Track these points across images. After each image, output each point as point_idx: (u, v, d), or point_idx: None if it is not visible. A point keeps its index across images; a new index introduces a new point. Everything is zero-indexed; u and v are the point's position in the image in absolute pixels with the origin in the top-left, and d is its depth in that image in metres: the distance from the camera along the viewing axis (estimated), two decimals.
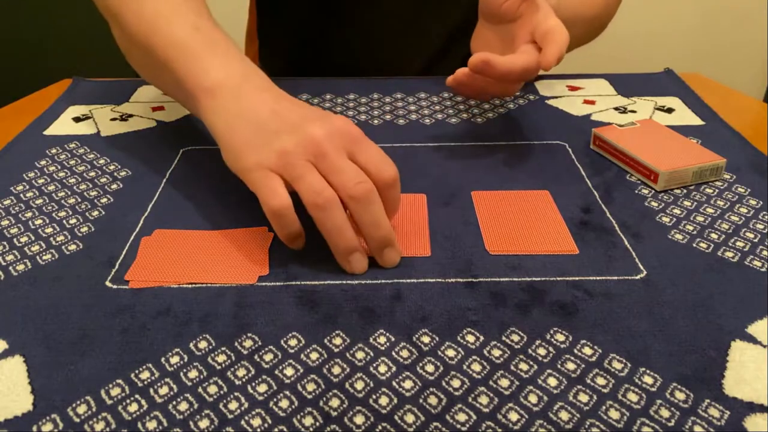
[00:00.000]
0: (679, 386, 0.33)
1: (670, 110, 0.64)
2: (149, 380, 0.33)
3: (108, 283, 0.40)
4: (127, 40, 0.52)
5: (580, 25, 0.69)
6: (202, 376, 0.33)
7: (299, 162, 0.39)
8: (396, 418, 0.31)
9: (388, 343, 0.35)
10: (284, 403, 0.32)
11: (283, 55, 0.84)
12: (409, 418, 0.31)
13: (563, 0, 0.64)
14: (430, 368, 0.34)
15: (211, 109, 0.44)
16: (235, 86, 0.44)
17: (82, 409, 0.32)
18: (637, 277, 0.40)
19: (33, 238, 0.45)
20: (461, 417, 0.31)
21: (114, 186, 0.51)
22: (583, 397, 0.32)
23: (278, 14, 0.82)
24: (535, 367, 0.34)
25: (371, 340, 0.36)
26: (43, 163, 0.54)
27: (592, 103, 0.65)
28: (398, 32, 0.77)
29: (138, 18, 0.50)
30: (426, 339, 0.36)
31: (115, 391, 0.33)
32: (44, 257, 0.43)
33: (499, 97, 0.60)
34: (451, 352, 0.35)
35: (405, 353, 0.35)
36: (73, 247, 0.44)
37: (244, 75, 0.45)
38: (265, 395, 0.32)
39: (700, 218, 0.46)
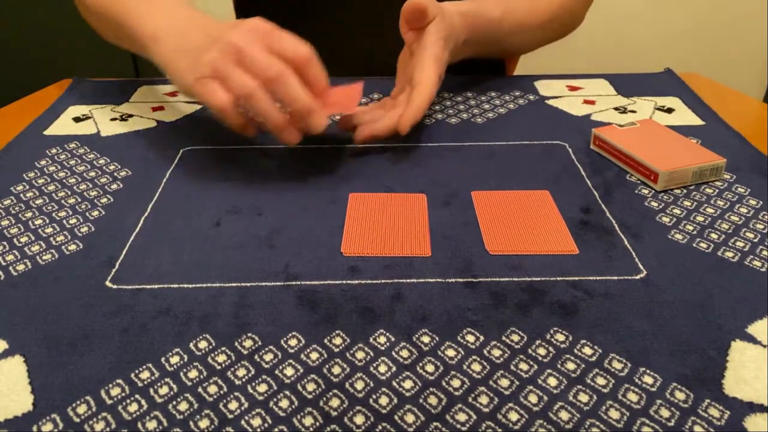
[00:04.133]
0: (679, 386, 0.33)
1: (670, 110, 0.64)
2: (149, 380, 0.33)
3: (108, 283, 0.40)
4: (92, 5, 0.63)
5: (531, 31, 0.72)
6: (202, 376, 0.33)
7: (224, 65, 0.47)
8: (396, 418, 0.31)
9: (388, 343, 0.35)
10: (284, 403, 0.32)
11: None
12: (409, 418, 0.31)
13: (507, 12, 0.67)
14: (430, 368, 0.34)
15: (157, 51, 0.52)
16: (175, 28, 0.52)
17: (82, 409, 0.32)
18: (637, 277, 0.40)
19: (33, 238, 0.45)
20: (461, 417, 0.31)
21: (114, 186, 0.51)
22: (583, 397, 0.32)
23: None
24: (535, 367, 0.34)
25: (371, 340, 0.36)
26: (43, 163, 0.54)
27: (592, 103, 0.65)
28: (375, 35, 0.77)
29: None
30: (426, 339, 0.36)
31: (115, 391, 0.33)
32: (44, 257, 0.43)
33: None
34: (451, 352, 0.35)
35: (405, 353, 0.35)
36: (73, 247, 0.44)
37: (184, 18, 0.53)
38: (265, 395, 0.32)
39: (700, 218, 0.46)
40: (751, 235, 0.44)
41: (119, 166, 0.54)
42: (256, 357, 0.35)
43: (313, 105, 0.47)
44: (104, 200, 0.49)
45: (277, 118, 0.48)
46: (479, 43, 0.65)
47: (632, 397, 0.32)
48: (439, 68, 0.56)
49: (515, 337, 0.36)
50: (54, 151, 0.57)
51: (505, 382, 0.33)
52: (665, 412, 0.31)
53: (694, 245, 0.43)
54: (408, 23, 0.57)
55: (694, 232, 0.45)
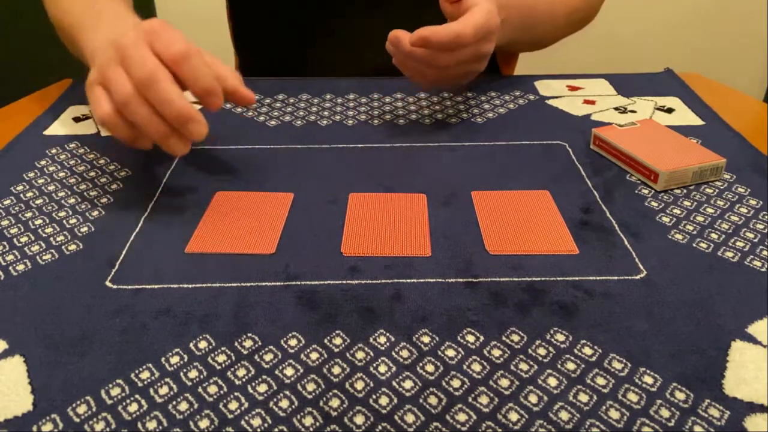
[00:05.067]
0: (679, 386, 0.33)
1: (670, 110, 0.64)
2: (149, 380, 0.33)
3: (108, 283, 0.40)
4: (54, 23, 0.62)
5: (558, 21, 0.73)
6: (202, 376, 0.33)
7: (109, 69, 0.43)
8: (396, 418, 0.31)
9: (388, 343, 0.35)
10: (284, 403, 0.32)
11: (259, 67, 0.83)
12: (409, 418, 0.31)
13: (539, 3, 0.68)
14: (430, 368, 0.34)
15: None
16: (106, 47, 0.47)
17: (82, 409, 0.32)
18: (637, 277, 0.40)
19: (33, 238, 0.45)
20: (461, 417, 0.31)
21: (114, 186, 0.51)
22: (583, 397, 0.32)
23: (251, 25, 0.83)
24: (535, 367, 0.34)
25: (371, 340, 0.36)
26: (43, 163, 0.54)
27: (592, 103, 0.65)
28: (370, 44, 0.77)
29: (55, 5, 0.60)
30: (426, 339, 0.36)
31: (115, 391, 0.33)
32: (44, 257, 0.43)
33: (420, 80, 0.61)
34: (451, 352, 0.35)
35: (405, 353, 0.35)
36: (73, 247, 0.44)
37: (115, 35, 0.48)
38: (265, 395, 0.32)
39: (700, 218, 0.46)
40: (751, 235, 0.44)
41: (119, 166, 0.54)
42: (256, 357, 0.35)
43: (187, 110, 0.42)
44: (104, 200, 0.49)
45: (155, 126, 0.43)
46: (514, 28, 0.65)
47: (632, 397, 0.32)
48: (489, 17, 0.54)
49: (515, 337, 0.36)
50: (54, 151, 0.57)
51: (505, 382, 0.33)
52: (665, 412, 0.31)
53: (694, 245, 0.43)
54: None
55: (694, 232, 0.45)
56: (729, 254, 0.42)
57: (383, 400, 0.32)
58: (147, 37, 0.43)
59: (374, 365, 0.34)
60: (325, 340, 0.36)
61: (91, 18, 0.54)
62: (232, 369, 0.34)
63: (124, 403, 0.32)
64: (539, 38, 0.75)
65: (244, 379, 0.33)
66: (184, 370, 0.34)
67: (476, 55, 0.56)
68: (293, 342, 0.36)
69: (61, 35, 0.62)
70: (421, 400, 0.32)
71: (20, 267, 0.42)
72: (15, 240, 0.44)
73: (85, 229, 0.46)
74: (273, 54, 0.81)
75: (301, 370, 0.34)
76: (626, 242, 0.44)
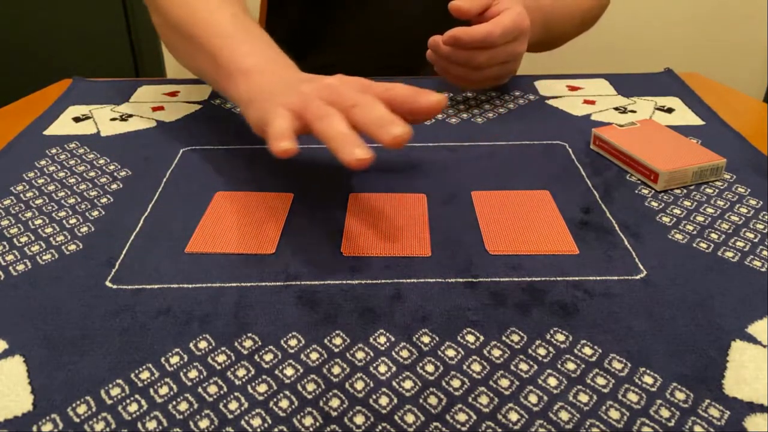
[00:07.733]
0: (679, 386, 0.33)
1: (670, 110, 0.64)
2: (149, 380, 0.33)
3: (108, 283, 0.40)
4: (168, 27, 0.57)
5: (574, 20, 0.76)
6: (202, 376, 0.33)
7: (316, 102, 0.41)
8: (396, 418, 0.31)
9: (388, 343, 0.35)
10: (284, 403, 0.32)
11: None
12: (409, 418, 0.31)
13: (557, 3, 0.71)
14: (430, 368, 0.34)
15: (245, 86, 0.48)
16: (265, 67, 0.49)
17: (82, 409, 0.32)
18: (637, 277, 0.40)
19: (33, 238, 0.45)
20: (461, 417, 0.31)
21: (114, 186, 0.51)
22: (583, 397, 0.32)
23: (285, 13, 0.85)
24: (535, 367, 0.34)
25: (371, 340, 0.36)
26: (43, 163, 0.54)
27: (592, 103, 0.65)
28: (398, 34, 0.78)
29: (180, 7, 0.56)
30: (426, 339, 0.36)
31: (115, 391, 0.33)
32: (44, 257, 0.43)
33: (462, 83, 0.63)
34: (451, 352, 0.35)
35: (405, 353, 0.35)
36: (73, 247, 0.44)
37: (273, 59, 0.50)
38: (265, 395, 0.32)
39: (700, 218, 0.46)
40: (751, 235, 0.44)
41: (119, 166, 0.54)
42: (256, 357, 0.35)
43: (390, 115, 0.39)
44: (104, 200, 0.49)
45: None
46: (538, 29, 0.67)
47: (632, 397, 0.32)
48: (519, 19, 0.57)
49: (515, 337, 0.36)
50: (54, 151, 0.57)
51: (505, 382, 0.33)
52: (665, 412, 0.31)
53: (694, 245, 0.43)
54: None
55: (694, 232, 0.45)
56: (729, 254, 0.42)
57: (383, 400, 0.32)
58: (358, 87, 0.42)
59: (374, 365, 0.34)
60: (325, 340, 0.36)
61: (239, 32, 0.52)
62: (232, 369, 0.34)
63: (124, 403, 0.32)
64: (557, 38, 0.77)
65: (244, 379, 0.33)
66: (184, 370, 0.34)
67: (511, 55, 0.59)
68: (293, 342, 0.36)
69: (180, 38, 0.56)
70: (421, 400, 0.32)
71: (20, 267, 0.42)
72: (15, 240, 0.44)
73: (85, 229, 0.46)
74: (301, 41, 0.83)
75: (301, 370, 0.34)
76: (626, 242, 0.44)
